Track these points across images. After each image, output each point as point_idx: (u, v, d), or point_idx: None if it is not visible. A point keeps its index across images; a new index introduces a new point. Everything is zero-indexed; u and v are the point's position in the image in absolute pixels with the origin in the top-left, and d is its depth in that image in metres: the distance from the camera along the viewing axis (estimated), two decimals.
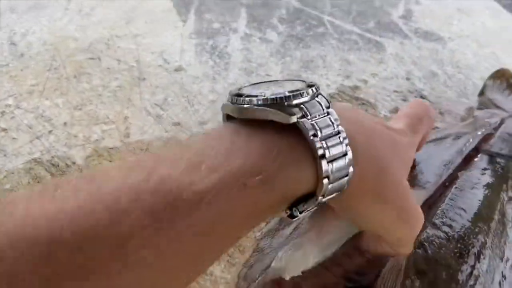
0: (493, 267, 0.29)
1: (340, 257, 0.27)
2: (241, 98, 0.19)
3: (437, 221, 0.30)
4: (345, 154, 0.19)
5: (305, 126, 0.18)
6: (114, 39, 0.50)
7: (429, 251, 0.28)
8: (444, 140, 0.39)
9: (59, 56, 0.46)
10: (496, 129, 0.41)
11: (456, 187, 0.33)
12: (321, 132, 0.18)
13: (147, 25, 0.53)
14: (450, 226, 0.30)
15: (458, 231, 0.30)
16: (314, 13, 0.60)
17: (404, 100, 0.48)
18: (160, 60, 0.48)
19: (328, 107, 0.19)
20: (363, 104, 0.47)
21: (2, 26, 0.49)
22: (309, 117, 0.18)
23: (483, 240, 0.30)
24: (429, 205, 0.32)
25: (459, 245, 0.29)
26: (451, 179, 0.34)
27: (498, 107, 0.45)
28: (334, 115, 0.19)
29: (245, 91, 0.20)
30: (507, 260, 0.30)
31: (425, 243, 0.28)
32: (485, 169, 0.36)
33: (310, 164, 0.19)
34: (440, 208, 0.31)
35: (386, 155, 0.22)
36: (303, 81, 0.21)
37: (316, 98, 0.19)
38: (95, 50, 0.48)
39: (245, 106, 0.19)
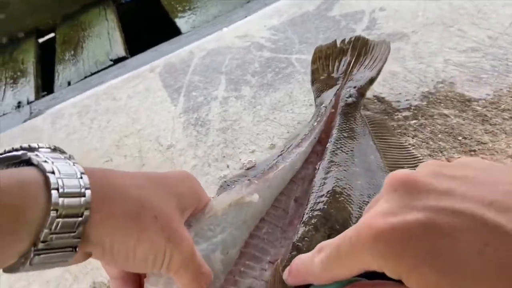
0: None
1: None
2: None
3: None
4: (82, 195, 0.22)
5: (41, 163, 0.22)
6: (123, 139, 0.62)
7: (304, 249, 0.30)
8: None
9: None
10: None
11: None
12: (59, 171, 0.22)
13: (148, 118, 0.65)
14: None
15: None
16: (284, 57, 0.66)
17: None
18: (156, 145, 0.58)
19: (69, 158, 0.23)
20: None
21: None
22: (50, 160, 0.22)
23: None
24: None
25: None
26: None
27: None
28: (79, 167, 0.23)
29: None
30: None
31: (298, 244, 0.31)
32: None
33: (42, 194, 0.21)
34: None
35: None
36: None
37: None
38: (108, 153, 0.60)
39: None
